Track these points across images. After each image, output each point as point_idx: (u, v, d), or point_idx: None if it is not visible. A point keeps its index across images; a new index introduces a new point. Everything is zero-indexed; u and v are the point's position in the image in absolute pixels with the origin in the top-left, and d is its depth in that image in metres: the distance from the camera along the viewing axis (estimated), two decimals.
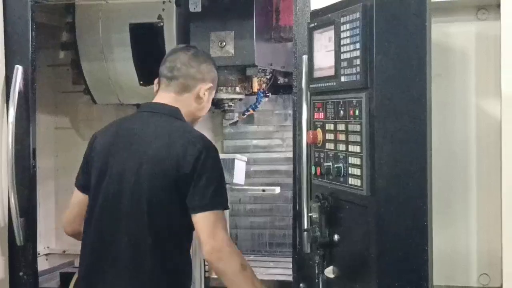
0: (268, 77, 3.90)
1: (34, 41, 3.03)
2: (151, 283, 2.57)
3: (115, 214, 2.62)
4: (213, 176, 2.57)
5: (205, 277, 3.50)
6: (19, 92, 2.93)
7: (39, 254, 4.07)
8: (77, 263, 4.23)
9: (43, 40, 3.87)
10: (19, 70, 2.94)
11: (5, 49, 3.00)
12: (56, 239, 4.47)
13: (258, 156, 4.37)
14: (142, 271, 2.57)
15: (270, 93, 4.05)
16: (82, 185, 2.81)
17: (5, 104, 2.97)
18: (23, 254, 3.02)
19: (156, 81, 2.84)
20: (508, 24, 2.35)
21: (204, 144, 2.61)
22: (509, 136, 2.36)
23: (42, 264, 4.26)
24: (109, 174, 2.66)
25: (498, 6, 2.37)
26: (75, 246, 4.23)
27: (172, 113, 2.70)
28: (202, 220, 2.53)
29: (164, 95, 2.76)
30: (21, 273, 3.01)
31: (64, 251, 4.43)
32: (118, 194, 2.62)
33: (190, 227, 2.60)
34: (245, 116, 4.08)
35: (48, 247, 4.42)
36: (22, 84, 2.95)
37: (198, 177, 2.54)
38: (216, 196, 2.57)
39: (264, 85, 3.87)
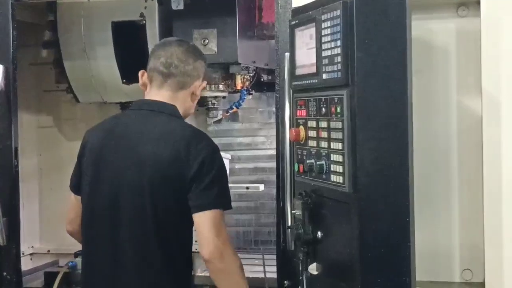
0: (251, 74, 3.90)
1: (16, 39, 3.01)
2: (157, 286, 2.56)
3: (115, 220, 2.57)
4: (216, 176, 2.54)
5: None
6: (0, 91, 2.91)
7: (23, 254, 4.06)
8: (62, 263, 4.27)
9: (25, 39, 3.85)
10: (0, 69, 2.92)
11: None
12: (40, 239, 4.44)
13: (243, 154, 4.36)
14: (148, 275, 2.55)
15: (253, 91, 4.06)
16: (75, 186, 2.76)
17: None
18: (6, 254, 3.00)
19: (142, 74, 2.74)
20: (488, 21, 2.37)
21: (207, 143, 2.57)
22: (490, 132, 2.38)
23: (27, 264, 4.23)
24: (106, 177, 2.60)
25: (478, 3, 2.39)
26: (60, 246, 4.30)
27: (172, 111, 2.64)
28: (206, 219, 2.50)
29: (160, 93, 2.68)
30: (4, 273, 2.99)
31: (48, 251, 4.41)
32: (117, 198, 2.56)
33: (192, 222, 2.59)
34: (228, 114, 4.08)
35: (32, 247, 4.40)
36: (3, 83, 2.93)
37: (202, 177, 2.50)
38: (220, 195, 2.54)
39: (247, 83, 3.87)
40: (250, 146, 4.38)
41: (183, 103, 2.71)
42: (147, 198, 2.52)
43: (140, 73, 2.75)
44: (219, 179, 2.56)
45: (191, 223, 2.56)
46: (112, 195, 2.57)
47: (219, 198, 2.54)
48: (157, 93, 2.68)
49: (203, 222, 2.51)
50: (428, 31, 2.50)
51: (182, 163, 2.50)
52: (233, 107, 4.02)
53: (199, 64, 2.74)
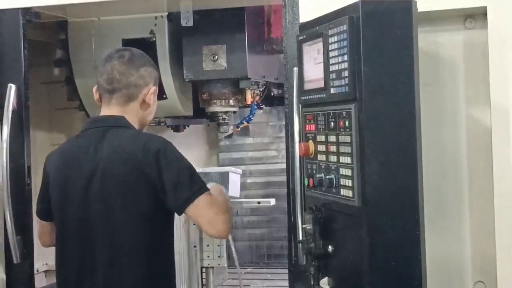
0: (261, 89, 3.92)
1: (27, 59, 3.06)
2: None
3: (88, 242, 2.57)
4: (181, 167, 2.54)
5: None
6: (12, 111, 2.94)
7: (37, 271, 4.09)
8: None
9: (36, 58, 3.88)
10: (12, 89, 2.95)
11: None
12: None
13: (254, 168, 4.38)
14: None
15: (264, 105, 4.07)
16: (42, 213, 2.79)
17: None
18: (20, 272, 3.03)
19: (95, 91, 2.74)
20: (495, 33, 2.37)
21: (158, 143, 2.57)
22: (499, 143, 2.38)
23: (41, 281, 4.25)
24: (73, 202, 2.60)
25: (485, 14, 2.39)
26: None
27: (119, 123, 2.64)
28: (195, 211, 2.53)
29: (110, 108, 2.68)
30: None
31: None
32: (86, 220, 2.57)
33: (169, 232, 2.65)
34: (239, 128, 4.10)
35: (46, 264, 4.40)
36: (16, 102, 2.97)
37: (167, 176, 2.50)
38: (195, 182, 2.54)
39: (257, 97, 3.89)
40: (261, 160, 4.40)
41: (135, 114, 2.69)
42: (115, 217, 2.53)
43: (94, 89, 2.76)
44: (185, 170, 2.55)
45: (168, 227, 2.61)
46: (82, 217, 2.58)
47: (196, 186, 2.53)
48: (108, 109, 2.69)
49: (194, 215, 2.55)
50: (436, 43, 2.50)
51: (143, 172, 2.50)
52: (244, 121, 4.03)
53: (144, 72, 2.70)
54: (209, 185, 2.68)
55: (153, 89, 2.72)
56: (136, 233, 2.55)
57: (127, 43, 3.67)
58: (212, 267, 3.57)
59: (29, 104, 3.09)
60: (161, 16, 3.62)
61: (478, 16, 2.46)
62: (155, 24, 3.62)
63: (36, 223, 2.91)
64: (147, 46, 3.63)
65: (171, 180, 2.50)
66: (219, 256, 3.53)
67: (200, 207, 2.52)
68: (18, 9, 3.04)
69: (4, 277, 3.04)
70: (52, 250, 4.34)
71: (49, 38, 4.00)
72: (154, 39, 3.63)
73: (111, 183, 2.54)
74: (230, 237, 2.92)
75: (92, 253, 2.57)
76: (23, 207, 3.02)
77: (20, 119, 3.00)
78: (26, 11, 3.07)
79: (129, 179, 2.52)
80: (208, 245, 3.43)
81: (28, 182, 3.03)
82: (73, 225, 2.61)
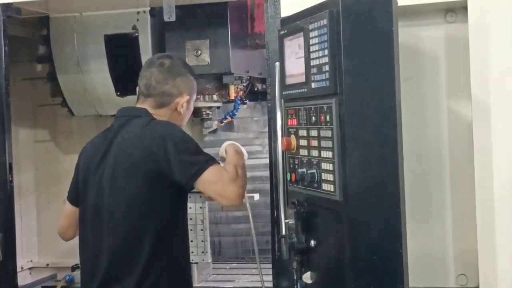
0: (245, 84, 3.91)
1: (8, 55, 3.03)
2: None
3: (100, 226, 2.64)
4: (187, 146, 2.59)
5: None
6: None
7: (22, 268, 4.08)
8: (60, 276, 4.26)
9: (19, 54, 3.87)
10: None
11: None
12: (39, 253, 4.44)
13: None
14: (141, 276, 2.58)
15: (247, 100, 4.06)
16: (72, 197, 2.84)
17: None
18: (3, 269, 3.01)
19: (137, 90, 2.87)
20: (476, 26, 2.38)
21: (165, 125, 2.66)
22: (480, 136, 2.39)
23: (26, 278, 4.24)
24: (91, 185, 2.69)
25: (466, 8, 2.40)
26: (59, 259, 4.29)
27: (141, 113, 2.74)
28: (204, 184, 2.56)
29: (141, 105, 2.81)
30: None
31: (47, 265, 4.40)
32: (100, 201, 2.64)
33: (182, 220, 2.71)
34: (223, 124, 4.08)
35: (31, 261, 4.39)
36: None
37: (174, 154, 2.54)
38: (200, 156, 2.59)
39: (241, 92, 3.88)
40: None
41: (164, 117, 2.77)
42: (123, 202, 2.59)
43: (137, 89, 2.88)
44: (190, 147, 2.60)
45: (181, 217, 2.69)
46: (97, 202, 2.66)
47: (202, 158, 2.58)
48: (140, 104, 2.81)
49: (204, 187, 2.57)
50: (417, 37, 2.50)
51: (149, 151, 2.55)
52: (227, 117, 4.02)
53: (180, 82, 2.79)
54: (226, 143, 2.87)
55: (186, 98, 2.80)
56: (146, 215, 2.59)
57: (109, 38, 3.66)
58: (196, 263, 3.58)
59: (11, 101, 3.07)
60: (144, 11, 3.60)
61: (459, 10, 2.47)
62: (138, 20, 3.61)
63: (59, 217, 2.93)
64: (129, 41, 3.63)
65: (177, 158, 2.54)
66: (203, 252, 3.54)
67: (208, 181, 2.56)
68: None
69: None
70: (35, 248, 4.41)
71: (31, 34, 3.98)
72: (136, 34, 3.62)
73: (120, 166, 2.61)
74: (246, 200, 2.92)
75: (102, 235, 2.62)
76: (5, 204, 3.00)
77: (1, 116, 2.98)
78: (7, 6, 3.05)
79: (137, 160, 2.57)
80: (192, 241, 3.42)
81: (10, 179, 3.01)
82: (90, 208, 2.69)
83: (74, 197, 2.82)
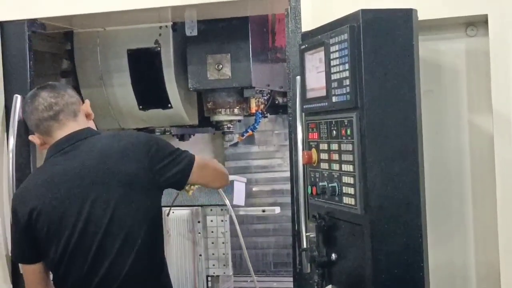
0: (266, 97, 3.93)
1: (32, 70, 3.07)
2: None
3: (101, 253, 2.51)
4: (171, 150, 2.65)
5: None
6: (18, 121, 2.96)
7: None
8: None
9: (43, 68, 3.92)
10: (18, 99, 2.97)
11: (4, 79, 3.04)
12: None
13: (260, 176, 4.39)
14: None
15: (268, 114, 4.09)
16: (27, 256, 2.63)
17: (5, 133, 3.01)
18: None
19: (32, 139, 2.69)
20: (496, 40, 2.37)
21: (145, 135, 2.72)
22: (501, 150, 2.38)
23: None
24: (71, 221, 2.50)
25: (486, 22, 2.40)
26: None
27: (87, 134, 2.62)
28: (196, 176, 2.71)
29: (66, 130, 2.61)
30: None
31: None
32: (95, 231, 2.50)
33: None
34: (244, 137, 4.11)
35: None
36: (22, 113, 2.98)
37: (161, 160, 2.58)
38: (185, 156, 2.67)
39: (262, 106, 3.91)
40: (266, 169, 4.41)
41: (85, 125, 2.67)
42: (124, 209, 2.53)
43: (30, 138, 2.72)
44: (173, 150, 2.66)
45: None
46: (82, 227, 2.51)
47: (186, 157, 2.68)
48: (63, 131, 2.61)
49: (197, 178, 2.74)
50: (437, 51, 2.50)
51: (137, 160, 2.55)
52: (248, 130, 4.04)
53: (70, 92, 2.69)
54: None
55: (87, 102, 2.76)
56: (158, 225, 2.66)
57: (132, 53, 3.70)
58: (218, 276, 3.59)
59: None
60: (166, 26, 3.64)
61: (479, 23, 2.46)
62: (160, 34, 3.65)
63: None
64: (152, 56, 3.67)
65: (165, 163, 2.59)
66: (224, 265, 3.55)
67: (199, 173, 2.71)
68: (23, 20, 3.05)
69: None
70: None
71: (55, 49, 4.03)
72: (159, 49, 3.66)
73: (112, 182, 2.51)
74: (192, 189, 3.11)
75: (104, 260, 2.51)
76: None
77: (26, 130, 3.01)
78: (32, 22, 3.09)
79: (128, 172, 2.53)
80: (213, 254, 3.44)
81: None
82: (77, 241, 2.50)
83: (32, 254, 2.59)
